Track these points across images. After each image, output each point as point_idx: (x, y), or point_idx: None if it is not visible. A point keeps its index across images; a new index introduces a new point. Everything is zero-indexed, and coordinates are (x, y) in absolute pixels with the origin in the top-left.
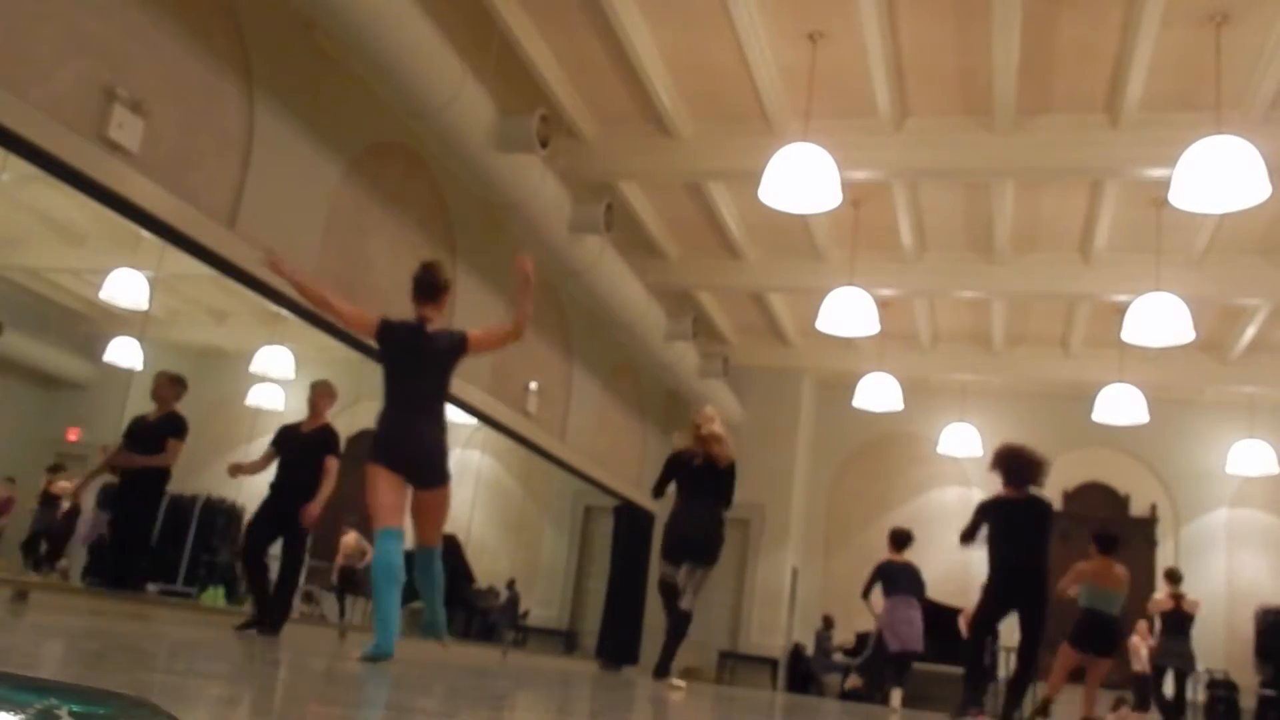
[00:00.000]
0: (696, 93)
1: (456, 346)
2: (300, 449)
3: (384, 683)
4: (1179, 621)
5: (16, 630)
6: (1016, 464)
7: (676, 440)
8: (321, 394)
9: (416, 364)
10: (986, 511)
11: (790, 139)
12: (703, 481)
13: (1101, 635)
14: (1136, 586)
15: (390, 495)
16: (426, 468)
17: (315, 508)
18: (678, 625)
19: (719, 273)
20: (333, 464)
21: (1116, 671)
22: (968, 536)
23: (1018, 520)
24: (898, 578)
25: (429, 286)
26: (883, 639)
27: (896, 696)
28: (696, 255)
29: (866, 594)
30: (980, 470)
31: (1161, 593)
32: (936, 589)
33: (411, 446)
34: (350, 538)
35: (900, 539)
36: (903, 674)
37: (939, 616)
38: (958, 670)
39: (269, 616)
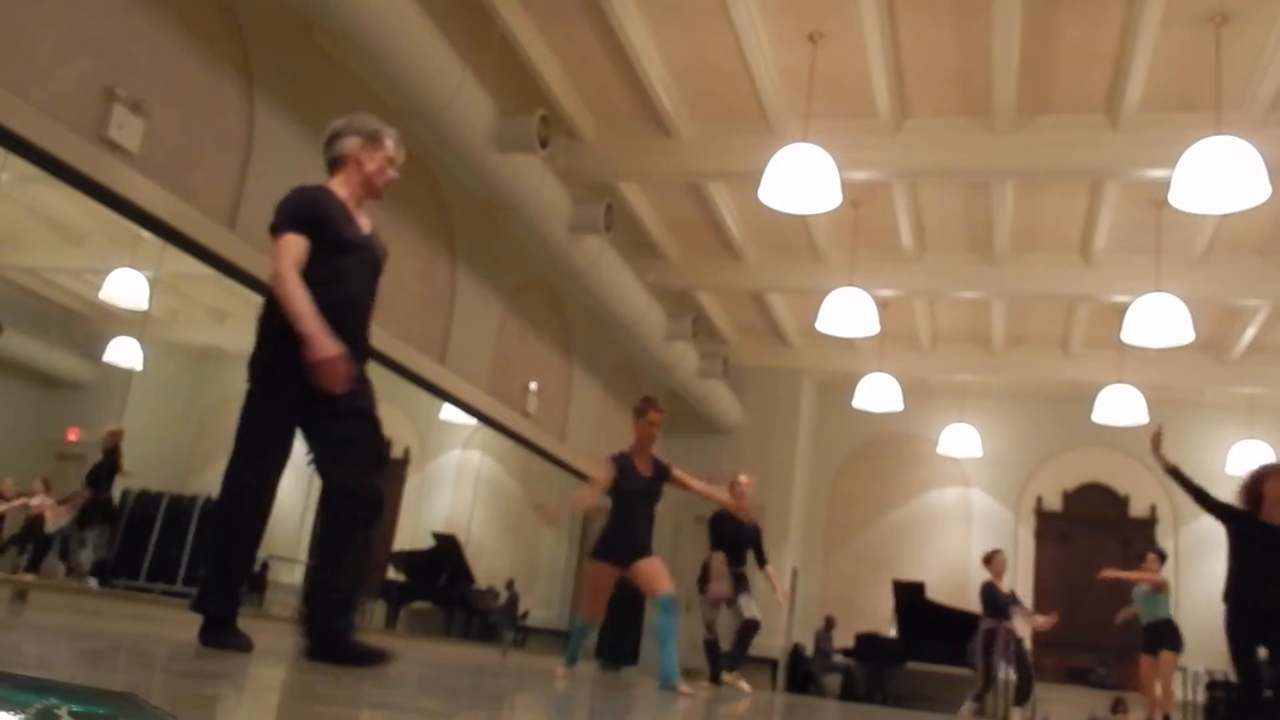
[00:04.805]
0: (696, 93)
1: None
2: None
3: (384, 683)
4: None
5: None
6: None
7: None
8: None
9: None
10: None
11: (790, 139)
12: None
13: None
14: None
15: (602, 587)
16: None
17: None
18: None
19: (719, 273)
20: None
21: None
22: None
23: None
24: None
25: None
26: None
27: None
28: (696, 255)
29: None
30: (980, 470)
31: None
32: (936, 590)
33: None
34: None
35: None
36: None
37: (939, 617)
38: (954, 670)
39: None
